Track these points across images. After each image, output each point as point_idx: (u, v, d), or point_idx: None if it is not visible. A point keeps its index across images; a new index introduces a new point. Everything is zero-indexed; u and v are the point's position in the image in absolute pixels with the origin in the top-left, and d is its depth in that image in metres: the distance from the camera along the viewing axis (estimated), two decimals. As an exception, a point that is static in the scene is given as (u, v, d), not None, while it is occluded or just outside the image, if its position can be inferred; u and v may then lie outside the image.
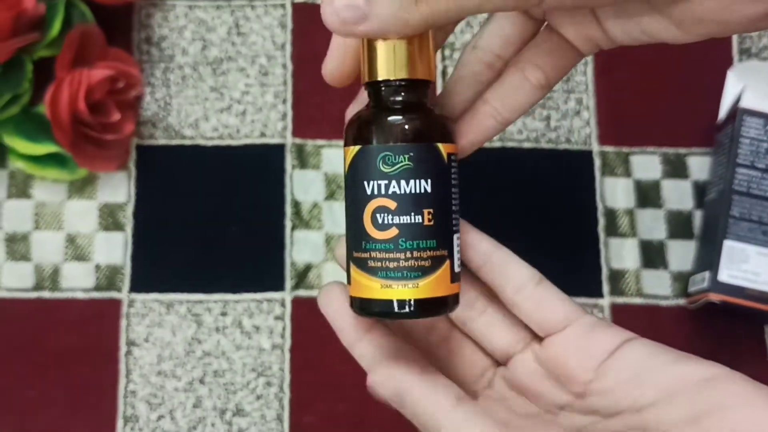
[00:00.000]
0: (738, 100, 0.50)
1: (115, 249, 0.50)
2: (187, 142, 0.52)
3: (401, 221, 0.31)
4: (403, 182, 0.31)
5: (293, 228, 0.51)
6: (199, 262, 0.50)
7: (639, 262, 0.51)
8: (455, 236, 0.32)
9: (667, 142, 0.53)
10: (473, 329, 0.35)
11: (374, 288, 0.31)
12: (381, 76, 0.31)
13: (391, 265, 0.31)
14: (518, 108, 0.33)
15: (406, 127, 0.31)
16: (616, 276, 0.51)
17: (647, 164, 0.53)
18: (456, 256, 0.32)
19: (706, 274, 0.48)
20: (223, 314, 0.50)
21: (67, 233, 0.51)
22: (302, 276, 0.50)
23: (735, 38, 0.55)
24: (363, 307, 0.32)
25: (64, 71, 0.47)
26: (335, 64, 0.33)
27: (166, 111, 0.53)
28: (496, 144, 0.53)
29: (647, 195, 0.52)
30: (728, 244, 0.47)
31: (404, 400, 0.32)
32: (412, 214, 0.31)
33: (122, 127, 0.50)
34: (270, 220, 0.51)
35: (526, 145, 0.53)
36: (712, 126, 0.53)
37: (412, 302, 0.31)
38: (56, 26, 0.48)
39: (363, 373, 0.51)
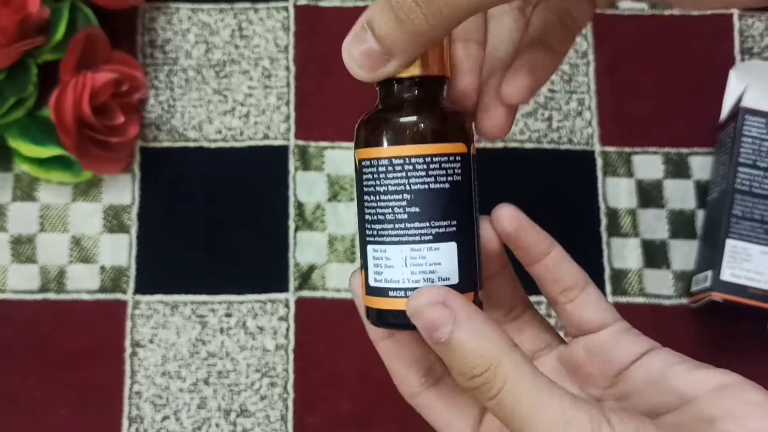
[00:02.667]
0: (740, 100, 0.50)
1: (120, 251, 0.51)
2: (191, 145, 0.52)
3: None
4: None
5: (297, 229, 0.51)
6: (203, 263, 0.51)
7: (641, 262, 0.51)
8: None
9: (669, 142, 0.53)
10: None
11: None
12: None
13: None
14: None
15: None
16: (619, 276, 0.51)
17: (649, 164, 0.53)
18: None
19: (709, 274, 0.48)
20: (228, 315, 0.50)
21: (72, 235, 0.51)
22: (306, 277, 0.50)
23: (737, 38, 0.55)
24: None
25: (69, 74, 0.48)
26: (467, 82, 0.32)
27: (170, 113, 0.53)
28: (499, 144, 0.53)
29: (649, 195, 0.52)
30: (731, 243, 0.47)
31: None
32: None
33: (126, 130, 0.50)
34: (274, 221, 0.51)
35: (528, 145, 0.53)
36: (714, 125, 0.53)
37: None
38: (61, 30, 0.48)
39: (367, 373, 0.51)
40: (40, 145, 0.49)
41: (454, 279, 0.30)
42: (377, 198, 0.30)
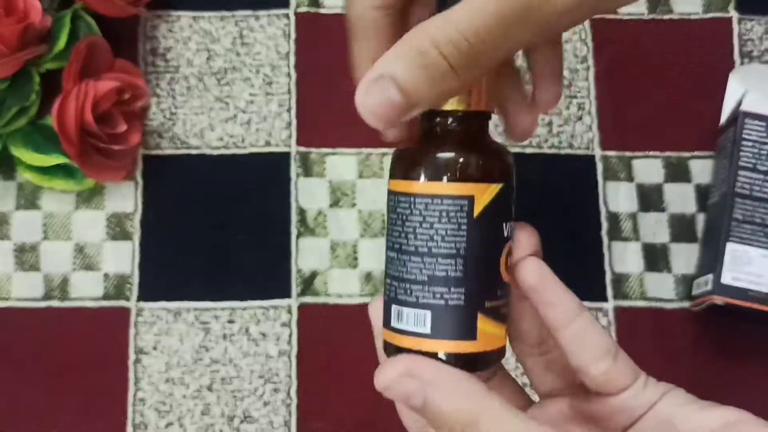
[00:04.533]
0: (740, 104, 0.50)
1: (123, 258, 0.51)
2: (193, 152, 0.53)
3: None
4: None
5: (299, 235, 0.51)
6: (205, 270, 0.51)
7: (642, 266, 0.51)
8: None
9: (670, 146, 0.53)
10: (527, 368, 0.35)
11: (502, 334, 0.30)
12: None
13: (507, 310, 0.31)
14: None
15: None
16: (620, 280, 0.51)
17: (650, 168, 0.53)
18: None
19: (710, 277, 0.48)
20: (231, 322, 0.50)
21: (75, 243, 0.51)
22: (308, 283, 0.51)
23: (736, 41, 0.55)
24: (498, 357, 0.31)
25: (71, 83, 0.48)
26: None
27: (172, 121, 0.53)
28: (499, 150, 0.53)
29: (650, 199, 0.52)
30: (731, 247, 0.48)
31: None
32: None
33: (129, 138, 0.51)
34: (276, 228, 0.52)
35: (529, 150, 0.53)
36: (714, 129, 0.53)
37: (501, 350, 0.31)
38: (63, 39, 0.49)
39: (370, 379, 0.51)
40: (43, 154, 0.49)
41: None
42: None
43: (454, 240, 0.29)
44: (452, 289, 0.29)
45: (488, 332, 0.29)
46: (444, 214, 0.29)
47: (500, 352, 0.31)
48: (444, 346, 0.29)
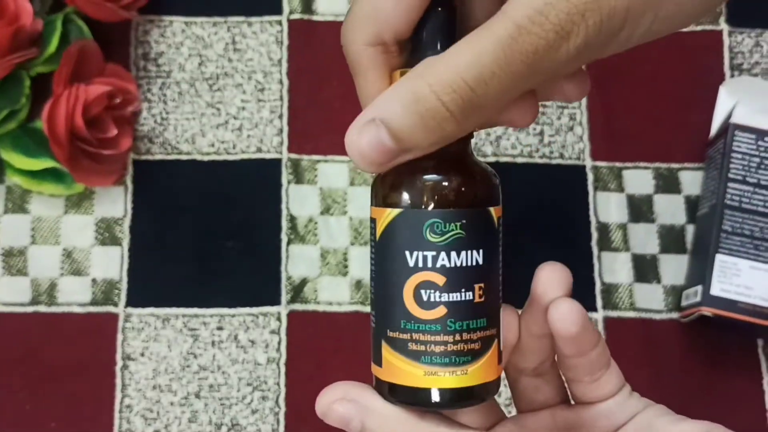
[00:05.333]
0: (729, 116, 0.50)
1: (111, 263, 0.51)
2: (184, 158, 0.53)
3: (450, 299, 0.27)
4: (453, 254, 0.26)
5: (289, 242, 0.51)
6: (195, 276, 0.51)
7: (632, 276, 0.52)
8: (501, 310, 0.29)
9: (660, 158, 0.53)
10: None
11: (416, 375, 0.27)
12: None
13: (437, 349, 0.27)
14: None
15: (462, 189, 0.27)
16: (610, 290, 0.51)
17: (640, 179, 0.53)
18: (501, 332, 0.29)
19: (699, 288, 0.48)
20: (219, 328, 0.50)
21: (63, 248, 0.51)
22: (298, 290, 0.50)
23: (727, 54, 0.55)
24: (400, 394, 0.28)
25: (62, 87, 0.48)
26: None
27: (163, 126, 0.53)
28: (490, 159, 0.53)
29: (640, 209, 0.53)
30: (720, 259, 0.48)
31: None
32: (463, 290, 0.27)
33: (119, 143, 0.50)
34: (266, 234, 0.51)
35: (520, 159, 0.53)
36: (704, 141, 0.53)
37: (459, 391, 0.27)
38: (54, 42, 0.48)
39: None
40: (32, 157, 0.49)
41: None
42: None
43: (370, 262, 0.29)
44: (372, 311, 0.29)
45: (393, 364, 0.28)
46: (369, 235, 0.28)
47: (413, 392, 0.28)
48: (373, 367, 0.30)
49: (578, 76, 0.31)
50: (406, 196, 0.27)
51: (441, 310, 0.27)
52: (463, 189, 0.27)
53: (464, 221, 0.26)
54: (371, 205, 0.29)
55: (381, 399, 0.29)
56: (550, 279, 0.30)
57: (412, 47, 0.28)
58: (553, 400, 0.33)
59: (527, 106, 0.29)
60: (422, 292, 0.27)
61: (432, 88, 0.24)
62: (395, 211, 0.27)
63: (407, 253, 0.27)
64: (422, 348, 0.27)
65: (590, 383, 0.31)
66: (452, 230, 0.26)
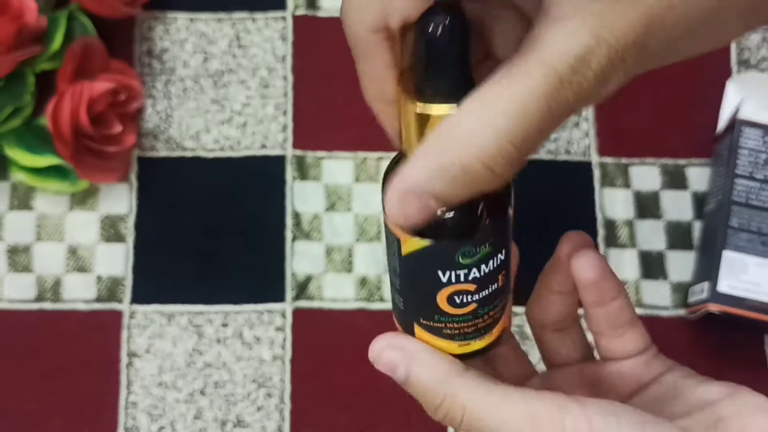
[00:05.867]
0: (737, 111, 0.50)
1: (116, 260, 0.51)
2: (188, 154, 0.52)
3: (480, 296, 0.28)
4: (483, 266, 0.27)
5: (294, 239, 0.51)
6: (200, 273, 0.51)
7: (639, 273, 0.51)
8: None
9: (666, 153, 0.53)
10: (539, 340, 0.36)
11: (451, 347, 0.30)
12: None
13: (469, 330, 0.29)
14: None
15: (490, 218, 0.27)
16: (616, 287, 0.51)
17: (646, 175, 0.53)
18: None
19: (706, 285, 0.48)
20: (224, 325, 0.50)
21: (68, 245, 0.51)
22: (303, 287, 0.50)
23: (734, 50, 0.55)
24: None
25: (66, 84, 0.48)
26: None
27: (168, 123, 0.53)
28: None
29: (646, 206, 0.52)
30: (727, 255, 0.47)
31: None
32: (490, 285, 0.28)
33: (124, 139, 0.50)
34: (270, 231, 0.51)
35: (526, 156, 0.53)
36: (711, 137, 0.53)
37: (487, 347, 0.31)
38: (58, 39, 0.48)
39: (364, 385, 0.51)
40: (37, 155, 0.49)
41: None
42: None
43: (393, 261, 0.29)
44: (399, 297, 0.30)
45: (427, 341, 0.30)
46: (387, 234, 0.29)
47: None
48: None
49: None
50: (435, 232, 0.27)
51: (472, 306, 0.29)
52: (490, 218, 0.27)
53: (492, 239, 0.27)
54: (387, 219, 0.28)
55: (428, 350, 0.30)
56: (575, 241, 0.33)
57: (425, 75, 0.25)
58: (576, 354, 0.35)
59: None
60: (455, 297, 0.28)
61: (482, 161, 0.23)
62: (424, 242, 0.27)
63: (440, 272, 0.28)
64: (456, 332, 0.29)
65: (614, 337, 0.33)
66: (482, 250, 0.27)
